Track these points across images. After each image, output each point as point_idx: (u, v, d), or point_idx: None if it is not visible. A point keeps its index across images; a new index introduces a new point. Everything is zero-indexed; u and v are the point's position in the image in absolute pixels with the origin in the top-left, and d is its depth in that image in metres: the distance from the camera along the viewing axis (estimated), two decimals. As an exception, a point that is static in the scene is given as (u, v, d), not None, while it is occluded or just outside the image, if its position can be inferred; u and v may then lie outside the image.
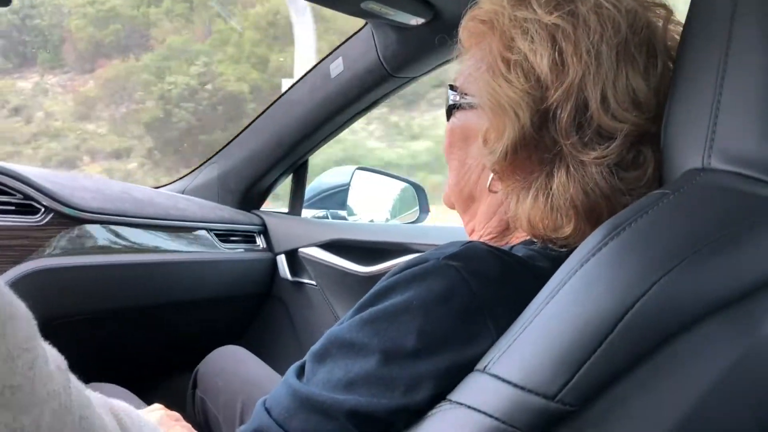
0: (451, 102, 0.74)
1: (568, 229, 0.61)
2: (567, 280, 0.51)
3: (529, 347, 0.49)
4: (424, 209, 1.95)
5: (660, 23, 0.65)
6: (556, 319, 0.49)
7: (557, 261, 0.58)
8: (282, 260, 1.79)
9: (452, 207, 0.78)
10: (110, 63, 8.58)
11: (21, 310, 0.38)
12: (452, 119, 0.74)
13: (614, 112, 0.60)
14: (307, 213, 1.94)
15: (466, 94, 0.71)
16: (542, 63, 0.61)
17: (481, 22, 0.68)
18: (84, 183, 1.46)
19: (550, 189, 0.62)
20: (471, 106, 0.71)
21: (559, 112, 0.61)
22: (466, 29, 0.72)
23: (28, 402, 0.36)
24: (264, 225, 1.82)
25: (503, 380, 0.49)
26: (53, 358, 0.42)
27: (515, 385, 0.48)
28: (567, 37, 0.61)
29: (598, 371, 0.46)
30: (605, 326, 0.46)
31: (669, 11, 0.65)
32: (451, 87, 0.74)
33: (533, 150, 0.64)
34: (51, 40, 8.82)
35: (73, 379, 0.44)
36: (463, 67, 0.73)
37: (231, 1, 8.60)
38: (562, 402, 0.46)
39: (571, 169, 0.61)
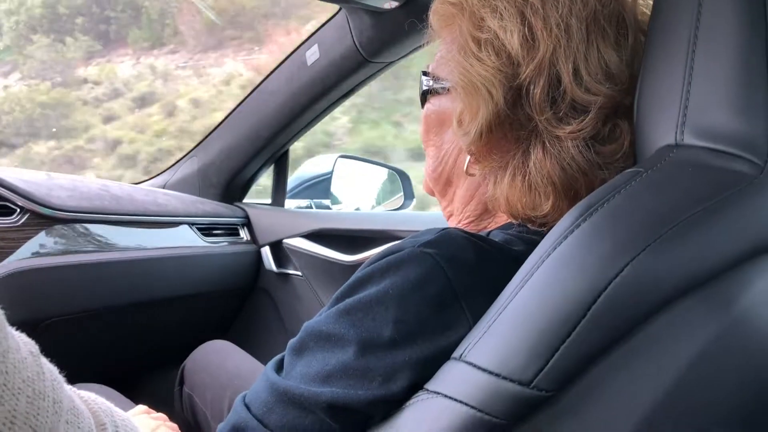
0: (424, 87, 0.73)
1: (546, 207, 0.61)
2: (540, 263, 0.50)
3: (504, 334, 0.48)
4: (409, 195, 1.94)
5: None
6: (529, 304, 0.48)
7: (533, 244, 0.57)
8: (267, 252, 1.78)
9: (432, 193, 0.78)
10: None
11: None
12: (427, 105, 0.73)
13: (587, 85, 0.60)
14: (290, 203, 1.92)
15: (439, 78, 0.71)
16: (513, 39, 0.60)
17: (450, 5, 0.68)
18: (60, 182, 1.44)
19: (527, 167, 0.62)
20: (445, 90, 0.70)
21: (532, 87, 0.60)
22: (435, 13, 0.71)
23: (2, 393, 0.36)
24: (247, 217, 1.81)
25: (479, 368, 0.48)
26: (24, 343, 0.41)
27: (491, 373, 0.47)
28: (536, 12, 0.60)
29: (572, 355, 0.45)
30: (578, 310, 0.45)
31: None
32: (425, 73, 0.73)
33: (508, 128, 0.63)
34: (148, 15, 8.01)
35: (45, 362, 0.43)
36: (436, 52, 0.72)
37: None
38: (538, 388, 0.45)
39: (547, 145, 0.61)
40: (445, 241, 0.57)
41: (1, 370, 0.36)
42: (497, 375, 0.46)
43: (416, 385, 0.53)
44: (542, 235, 0.60)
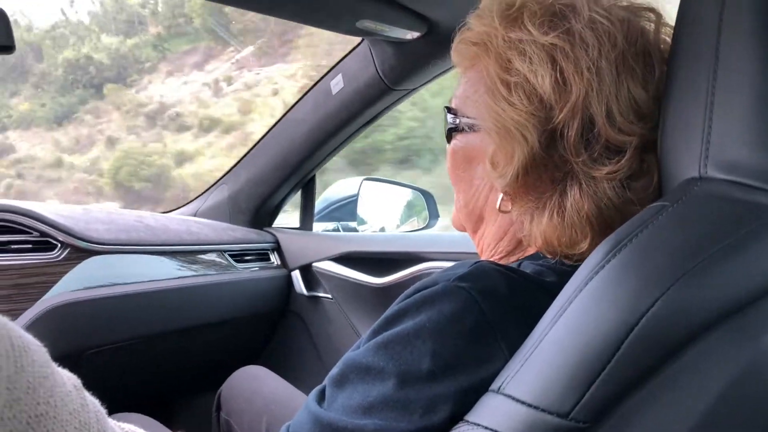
0: (450, 125, 0.73)
1: (584, 245, 0.62)
2: (573, 298, 0.52)
3: (541, 367, 0.50)
4: (434, 215, 1.96)
5: (651, 27, 0.65)
6: (565, 338, 0.50)
7: (565, 275, 0.59)
8: (297, 276, 1.81)
9: (462, 229, 0.78)
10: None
11: (31, 340, 0.39)
12: (453, 142, 0.74)
13: (620, 126, 0.60)
14: (318, 227, 1.96)
15: (466, 117, 0.71)
16: (544, 84, 0.61)
17: (473, 44, 0.68)
18: (97, 215, 1.49)
19: (564, 207, 0.62)
20: (472, 128, 0.70)
21: (566, 131, 0.61)
22: (457, 52, 0.71)
23: (52, 427, 0.37)
24: (277, 242, 1.84)
25: (517, 400, 0.50)
26: (68, 377, 0.43)
27: (529, 405, 0.49)
28: (566, 56, 0.61)
29: (608, 388, 0.47)
30: (613, 343, 0.47)
31: (659, 15, 0.65)
32: (449, 109, 0.74)
33: (543, 170, 0.64)
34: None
35: (87, 396, 0.45)
36: (459, 89, 0.73)
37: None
38: (576, 420, 0.47)
39: (584, 185, 0.62)
40: (478, 275, 0.59)
41: (50, 404, 0.37)
42: (536, 408, 0.48)
43: (456, 416, 0.54)
44: (572, 266, 0.62)
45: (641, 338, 0.47)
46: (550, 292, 0.58)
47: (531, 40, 0.62)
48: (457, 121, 0.72)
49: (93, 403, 0.45)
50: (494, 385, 0.53)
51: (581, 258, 0.62)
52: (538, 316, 0.55)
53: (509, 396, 0.51)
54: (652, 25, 0.65)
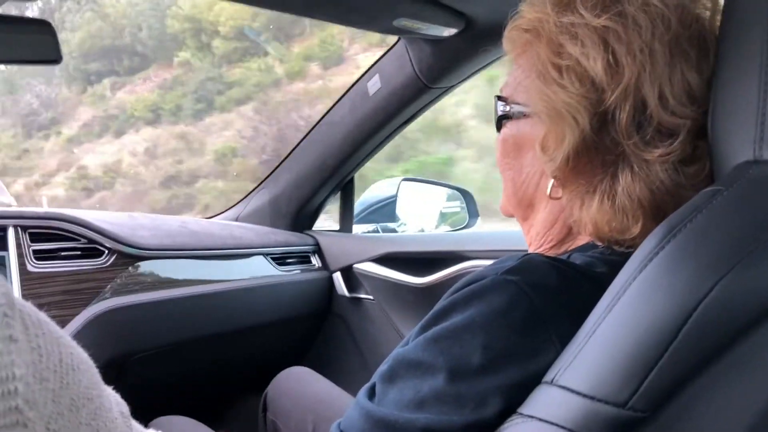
0: (500, 113, 0.73)
1: (635, 230, 0.61)
2: (627, 286, 0.51)
3: (596, 357, 0.50)
4: (473, 214, 1.95)
5: (707, 14, 0.64)
6: (619, 327, 0.49)
7: (615, 265, 0.58)
8: (338, 277, 1.82)
9: (510, 215, 0.78)
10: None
11: (83, 358, 0.39)
12: (503, 130, 0.73)
13: (673, 109, 0.60)
14: (357, 228, 1.97)
15: (516, 103, 0.71)
16: (596, 66, 0.60)
17: (524, 31, 0.68)
18: (142, 221, 1.52)
19: (615, 191, 0.62)
20: (523, 115, 0.70)
21: (618, 113, 0.60)
22: (509, 39, 0.71)
23: None
24: (317, 244, 1.86)
25: (572, 391, 0.49)
26: (116, 403, 0.43)
27: (585, 395, 0.48)
28: (618, 38, 0.60)
29: (666, 376, 0.46)
30: (670, 331, 0.46)
31: (715, 2, 0.64)
32: (499, 98, 0.74)
33: (594, 153, 0.63)
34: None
35: (134, 424, 0.45)
36: (510, 77, 0.72)
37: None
38: (633, 409, 0.46)
39: (636, 168, 0.61)
40: (527, 267, 0.58)
41: (92, 426, 0.37)
42: (592, 398, 0.48)
43: (508, 409, 0.54)
44: (623, 256, 0.61)
45: (699, 325, 0.46)
46: (600, 282, 0.57)
47: (583, 23, 0.62)
48: (508, 108, 0.72)
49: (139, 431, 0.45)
50: (548, 377, 0.53)
51: (632, 244, 0.62)
52: (589, 308, 0.54)
53: (564, 387, 0.50)
54: (708, 12, 0.64)
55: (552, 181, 0.68)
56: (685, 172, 0.61)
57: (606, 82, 0.60)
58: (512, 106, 0.72)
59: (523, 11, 0.69)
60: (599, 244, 0.66)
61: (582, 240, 0.69)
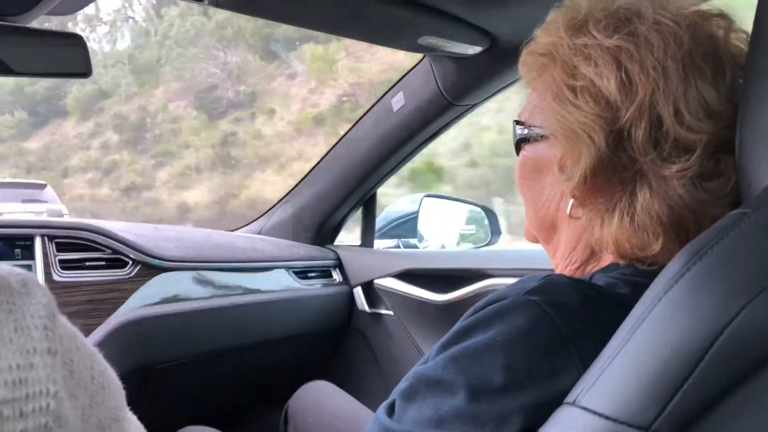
0: (519, 136, 0.74)
1: (656, 247, 0.61)
2: (652, 308, 0.50)
3: (619, 378, 0.49)
4: (496, 231, 1.94)
5: (721, 33, 0.64)
6: (644, 349, 0.49)
7: (638, 287, 0.58)
8: (359, 292, 1.82)
9: (535, 240, 0.78)
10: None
11: (113, 377, 0.38)
12: (522, 153, 0.74)
13: (689, 124, 0.60)
14: (379, 244, 1.97)
15: (534, 126, 0.72)
16: (610, 85, 0.61)
17: (540, 55, 0.69)
18: (166, 233, 1.54)
19: (634, 208, 0.62)
20: (540, 137, 0.71)
21: (633, 130, 0.61)
22: (524, 64, 0.72)
23: None
24: (339, 259, 1.86)
25: (594, 413, 0.49)
26: (135, 426, 0.43)
27: (608, 417, 0.48)
28: (631, 57, 0.61)
29: (691, 399, 0.45)
30: (695, 354, 0.46)
31: (729, 20, 0.65)
32: (517, 122, 0.75)
33: (612, 171, 0.63)
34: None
35: None
36: (527, 100, 0.73)
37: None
38: None
39: (654, 185, 0.61)
40: (549, 288, 0.58)
41: None
42: (614, 420, 0.47)
43: (529, 429, 0.54)
44: (646, 276, 0.60)
45: (726, 349, 0.45)
46: (623, 304, 0.57)
47: (596, 44, 0.63)
48: (526, 131, 0.73)
49: None
50: (569, 398, 0.52)
51: (654, 262, 0.62)
52: (611, 329, 0.54)
53: (585, 408, 0.50)
54: (722, 31, 0.64)
55: (571, 200, 0.68)
56: (705, 187, 0.61)
57: (620, 100, 0.61)
58: (530, 128, 0.72)
59: (538, 36, 0.70)
60: (621, 262, 0.66)
61: (606, 261, 0.69)
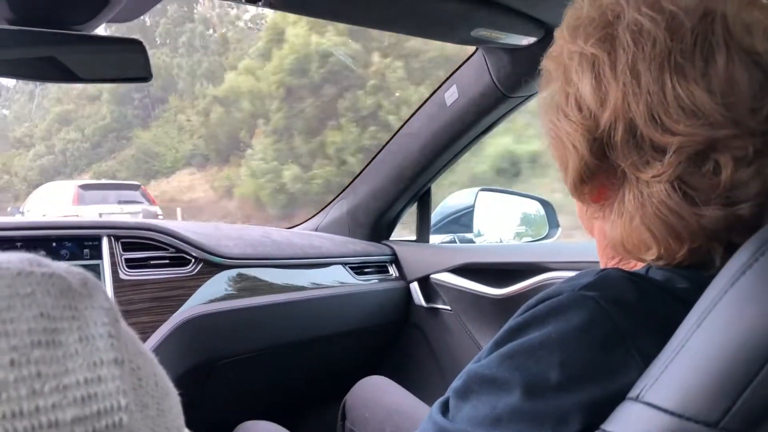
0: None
1: (654, 250, 0.61)
2: (718, 300, 0.49)
3: (684, 374, 0.48)
4: (554, 224, 1.91)
5: (732, 9, 0.57)
6: (710, 342, 0.48)
7: (698, 282, 0.56)
8: (415, 287, 1.82)
9: (592, 236, 0.78)
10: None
11: (170, 383, 0.36)
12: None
13: (664, 125, 0.57)
14: (434, 239, 1.96)
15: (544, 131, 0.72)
16: (586, 92, 0.60)
17: (551, 60, 0.69)
18: (227, 232, 1.58)
19: (623, 212, 0.62)
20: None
21: (612, 135, 0.60)
22: (543, 69, 0.72)
23: None
24: (395, 254, 1.87)
25: (660, 408, 0.48)
26: None
27: (673, 413, 0.47)
28: (602, 62, 0.60)
29: (761, 396, 0.44)
30: (765, 348, 0.44)
31: None
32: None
33: (604, 177, 0.63)
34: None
35: None
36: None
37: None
38: (726, 429, 0.44)
39: (636, 190, 0.60)
40: (605, 283, 0.57)
41: None
42: (680, 416, 0.46)
43: (591, 426, 0.53)
44: (707, 270, 0.59)
45: None
46: (682, 299, 0.56)
47: (578, 51, 0.62)
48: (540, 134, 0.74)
49: None
50: (632, 393, 0.51)
51: (668, 263, 0.61)
52: (671, 323, 0.53)
53: (650, 404, 0.49)
54: (735, 6, 0.57)
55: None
56: (694, 187, 0.57)
57: (596, 107, 0.60)
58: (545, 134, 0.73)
59: (555, 39, 0.69)
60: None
61: (650, 257, 0.67)
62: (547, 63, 0.70)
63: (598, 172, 0.63)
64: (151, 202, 10.64)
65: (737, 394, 0.44)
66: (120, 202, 9.54)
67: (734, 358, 0.45)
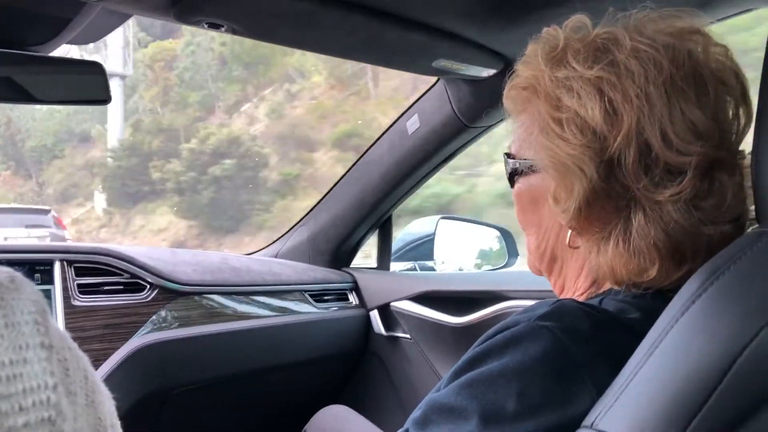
0: (511, 169, 0.74)
1: (652, 272, 0.61)
2: (669, 329, 0.50)
3: (636, 402, 0.49)
4: (513, 253, 1.93)
5: (700, 49, 0.64)
6: (661, 371, 0.48)
7: (648, 311, 0.58)
8: (375, 315, 1.81)
9: (539, 273, 0.78)
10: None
11: (104, 386, 0.37)
12: (516, 186, 0.75)
13: (678, 147, 0.60)
14: (395, 266, 1.96)
15: (524, 159, 0.72)
16: (595, 116, 0.61)
17: (522, 89, 0.70)
18: (184, 257, 1.55)
19: (630, 234, 0.62)
20: (532, 170, 0.71)
21: (623, 158, 0.61)
22: (509, 98, 0.73)
23: None
24: (355, 282, 1.86)
25: None
26: None
27: None
28: (613, 86, 0.61)
29: (710, 424, 0.45)
30: (713, 377, 0.45)
31: (706, 36, 0.65)
32: (508, 155, 0.75)
33: (606, 200, 0.64)
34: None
35: None
36: (515, 134, 0.74)
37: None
38: None
39: (648, 210, 0.61)
40: (561, 313, 0.58)
41: None
42: None
43: None
44: (656, 300, 0.60)
45: (745, 371, 0.45)
46: (634, 329, 0.57)
47: (577, 76, 0.63)
48: (517, 164, 0.73)
49: None
50: (587, 421, 0.52)
51: (650, 286, 0.62)
52: (623, 353, 0.54)
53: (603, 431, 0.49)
54: (700, 47, 0.64)
55: (569, 231, 0.68)
56: (700, 207, 0.60)
57: (607, 130, 0.61)
58: (520, 161, 0.73)
59: (519, 70, 0.71)
60: (618, 288, 0.66)
61: (608, 286, 0.68)
62: (516, 93, 0.71)
63: (603, 196, 0.63)
64: (61, 227, 10.54)
65: (687, 421, 0.45)
66: (27, 226, 9.40)
67: (684, 387, 0.46)
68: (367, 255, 2.00)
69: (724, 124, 0.63)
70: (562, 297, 0.74)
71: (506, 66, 1.28)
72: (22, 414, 0.28)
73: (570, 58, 0.65)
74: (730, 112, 0.64)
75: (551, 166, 0.65)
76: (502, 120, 1.49)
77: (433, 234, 1.95)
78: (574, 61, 0.64)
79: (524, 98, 0.70)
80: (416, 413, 0.62)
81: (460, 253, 2.03)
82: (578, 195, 0.63)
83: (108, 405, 0.37)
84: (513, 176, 0.75)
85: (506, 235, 1.95)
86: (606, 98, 0.61)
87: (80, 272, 1.34)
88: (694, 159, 0.60)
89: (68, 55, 1.04)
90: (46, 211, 10.72)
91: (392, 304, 1.76)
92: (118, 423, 0.37)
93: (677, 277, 0.61)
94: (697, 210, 0.60)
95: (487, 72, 1.31)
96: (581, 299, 0.71)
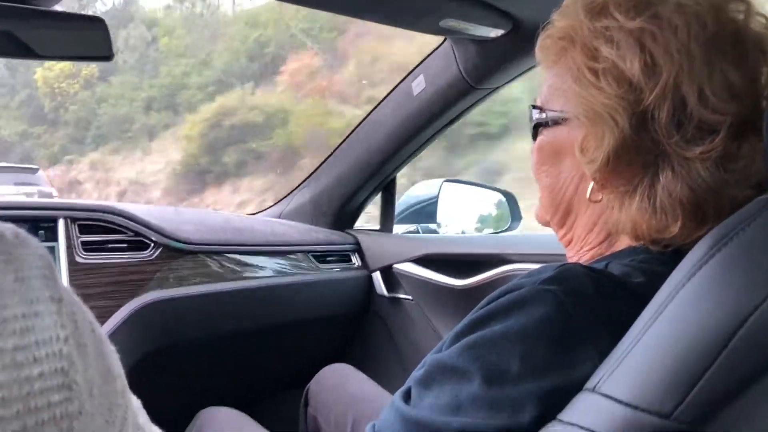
0: (536, 120, 0.73)
1: (674, 229, 0.61)
2: (674, 294, 0.50)
3: (640, 365, 0.49)
4: (516, 217, 1.93)
5: (741, 17, 0.64)
6: (665, 336, 0.49)
7: (654, 275, 0.58)
8: (377, 277, 1.82)
9: (546, 224, 0.78)
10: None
11: (109, 342, 0.38)
12: (539, 138, 0.74)
13: (714, 106, 0.59)
14: (398, 229, 1.96)
15: (552, 110, 0.71)
16: (633, 67, 0.61)
17: (559, 39, 0.69)
18: (187, 216, 1.55)
19: (655, 190, 0.62)
20: (560, 121, 0.70)
21: (657, 112, 0.60)
22: (542, 48, 0.72)
23: (124, 416, 0.36)
24: (358, 243, 1.86)
25: (615, 399, 0.48)
26: (141, 410, 0.41)
27: (627, 404, 0.47)
28: (655, 39, 0.60)
29: (714, 388, 0.45)
30: (719, 342, 0.45)
31: (748, 4, 0.64)
32: (534, 106, 0.74)
33: (635, 153, 0.63)
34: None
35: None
36: (545, 85, 0.73)
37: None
38: (678, 420, 0.45)
39: (676, 167, 0.61)
40: (565, 277, 0.58)
41: (122, 406, 0.35)
42: (635, 407, 0.47)
43: (546, 415, 0.54)
44: (662, 264, 0.61)
45: (749, 337, 0.45)
46: (638, 293, 0.57)
47: (617, 27, 0.63)
48: (544, 115, 0.72)
49: None
50: (589, 384, 0.52)
51: (669, 243, 0.62)
52: (626, 318, 0.54)
53: (606, 395, 0.50)
54: (742, 15, 0.64)
55: (591, 183, 0.68)
56: (729, 168, 0.60)
57: (644, 82, 0.60)
58: (548, 113, 0.72)
59: (556, 20, 0.70)
60: (636, 245, 0.66)
61: (621, 244, 0.69)
62: (551, 42, 0.70)
63: (632, 149, 0.63)
64: (47, 184, 10.76)
65: (690, 387, 0.45)
66: (16, 184, 9.62)
67: (688, 352, 0.46)
68: (370, 218, 2.00)
69: (759, 89, 0.62)
70: (568, 250, 0.75)
71: (514, 26, 1.26)
72: (36, 365, 0.29)
73: (612, 8, 0.64)
74: (763, 81, 0.63)
75: (583, 115, 0.65)
76: (509, 82, 1.47)
77: (437, 197, 1.94)
78: (616, 12, 0.63)
79: (559, 49, 0.69)
80: (419, 372, 0.62)
81: (463, 216, 2.03)
82: (608, 145, 0.63)
83: (115, 357, 0.37)
84: (538, 128, 0.74)
85: (510, 199, 1.95)
86: (647, 50, 0.61)
87: (84, 230, 1.34)
88: (729, 118, 0.59)
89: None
90: (35, 170, 10.97)
91: (395, 265, 1.77)
92: (123, 374, 0.38)
93: (697, 236, 0.60)
94: (726, 171, 0.60)
95: (495, 32, 1.29)
96: (589, 254, 0.71)
